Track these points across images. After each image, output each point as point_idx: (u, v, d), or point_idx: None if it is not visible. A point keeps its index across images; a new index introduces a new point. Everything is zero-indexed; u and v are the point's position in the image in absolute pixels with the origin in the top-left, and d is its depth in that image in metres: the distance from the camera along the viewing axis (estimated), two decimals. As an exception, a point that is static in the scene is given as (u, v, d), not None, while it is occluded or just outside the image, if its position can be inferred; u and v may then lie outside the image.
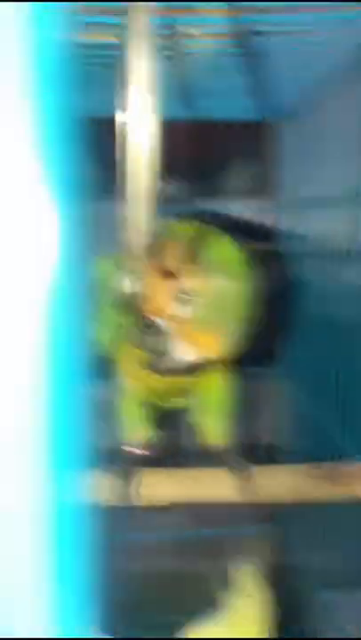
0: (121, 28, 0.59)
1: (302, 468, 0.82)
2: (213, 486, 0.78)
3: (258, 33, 0.75)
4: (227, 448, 0.80)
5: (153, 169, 0.41)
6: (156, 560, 1.43)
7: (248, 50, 0.78)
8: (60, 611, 0.27)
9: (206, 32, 0.72)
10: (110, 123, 0.61)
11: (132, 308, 0.69)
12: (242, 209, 1.42)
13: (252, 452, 1.26)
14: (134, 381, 0.78)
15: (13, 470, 0.26)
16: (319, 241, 1.16)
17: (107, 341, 0.79)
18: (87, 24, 0.71)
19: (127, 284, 0.69)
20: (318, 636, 1.15)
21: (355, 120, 0.95)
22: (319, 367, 1.11)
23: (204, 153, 1.33)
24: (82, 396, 0.29)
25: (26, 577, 0.26)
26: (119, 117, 0.59)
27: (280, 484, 0.79)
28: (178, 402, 0.83)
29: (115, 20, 0.68)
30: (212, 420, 0.80)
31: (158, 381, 0.76)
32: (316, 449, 1.15)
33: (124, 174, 0.55)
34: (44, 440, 0.26)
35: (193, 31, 0.70)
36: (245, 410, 1.54)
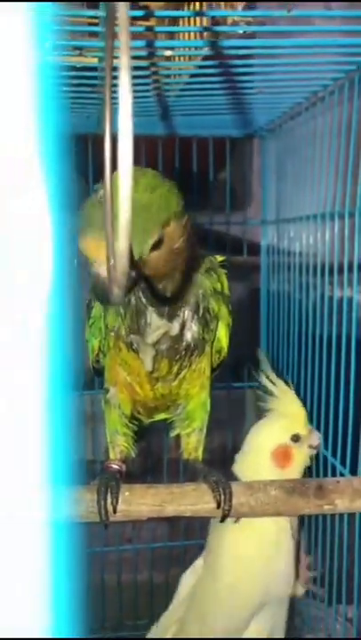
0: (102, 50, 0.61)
1: (287, 481, 0.83)
2: (193, 501, 0.78)
3: (238, 56, 0.77)
4: (205, 463, 0.81)
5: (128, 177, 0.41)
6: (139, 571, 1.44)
7: (227, 71, 0.80)
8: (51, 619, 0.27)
9: (183, 54, 0.74)
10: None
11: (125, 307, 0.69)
12: (224, 223, 1.44)
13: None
14: (121, 391, 0.78)
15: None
16: (303, 255, 1.17)
17: (95, 350, 0.80)
18: (76, 48, 0.73)
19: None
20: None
21: (339, 137, 0.97)
22: (304, 381, 1.12)
23: (185, 168, 1.35)
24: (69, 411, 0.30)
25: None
26: (104, 135, 0.60)
27: (263, 498, 0.79)
28: (161, 415, 0.83)
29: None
30: (194, 435, 0.81)
31: (147, 389, 0.76)
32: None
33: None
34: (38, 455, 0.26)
35: (168, 53, 0.71)
36: (230, 422, 1.55)
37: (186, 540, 1.44)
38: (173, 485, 0.79)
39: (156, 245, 0.62)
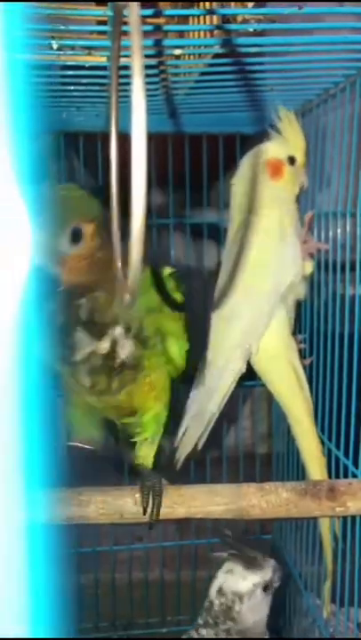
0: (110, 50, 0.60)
1: (298, 483, 0.82)
2: (204, 502, 0.78)
3: (249, 54, 0.76)
4: (153, 469, 0.80)
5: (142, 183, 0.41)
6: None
7: (237, 69, 0.79)
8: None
9: (192, 52, 0.73)
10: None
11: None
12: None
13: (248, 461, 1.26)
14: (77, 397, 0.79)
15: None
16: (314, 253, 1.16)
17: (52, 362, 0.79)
18: (85, 47, 0.72)
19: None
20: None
21: (351, 134, 0.96)
22: (316, 380, 1.11)
23: (195, 166, 1.34)
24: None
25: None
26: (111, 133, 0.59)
27: (270, 499, 0.78)
28: (130, 420, 0.83)
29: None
30: (145, 445, 0.81)
31: (94, 400, 0.77)
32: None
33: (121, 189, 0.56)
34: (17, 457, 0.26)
35: (178, 52, 0.71)
36: (242, 421, 1.55)
37: (197, 538, 1.44)
38: (183, 487, 0.79)
39: (75, 239, 0.64)
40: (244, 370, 1.04)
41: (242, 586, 0.99)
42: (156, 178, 1.32)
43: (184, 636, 1.05)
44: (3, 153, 0.25)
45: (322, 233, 1.11)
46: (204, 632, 1.01)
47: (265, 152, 1.05)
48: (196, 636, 1.02)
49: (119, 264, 0.47)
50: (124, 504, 0.76)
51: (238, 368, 1.03)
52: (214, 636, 1.00)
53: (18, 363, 0.25)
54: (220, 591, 0.99)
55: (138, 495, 0.76)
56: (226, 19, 0.63)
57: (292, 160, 1.05)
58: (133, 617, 1.43)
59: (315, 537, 1.14)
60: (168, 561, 1.46)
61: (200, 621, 1.02)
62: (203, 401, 1.05)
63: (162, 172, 1.33)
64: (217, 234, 1.38)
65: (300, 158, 1.05)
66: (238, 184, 1.08)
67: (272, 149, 1.05)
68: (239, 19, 0.64)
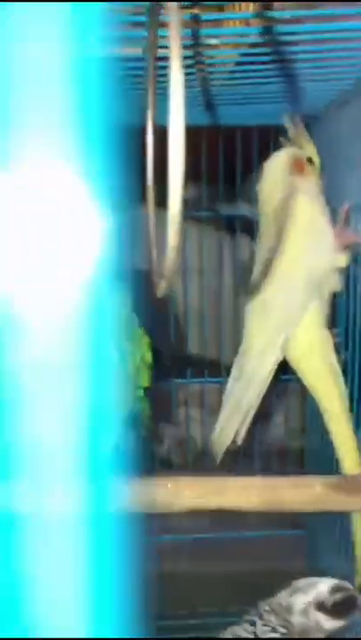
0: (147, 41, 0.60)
1: (332, 477, 0.81)
2: (236, 494, 0.78)
3: (286, 42, 0.75)
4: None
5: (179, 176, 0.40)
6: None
7: (274, 58, 0.78)
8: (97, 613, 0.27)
9: (228, 42, 0.72)
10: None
11: None
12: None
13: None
14: None
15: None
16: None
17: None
18: (123, 38, 0.72)
19: None
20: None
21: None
22: (352, 375, 1.10)
23: (229, 158, 1.34)
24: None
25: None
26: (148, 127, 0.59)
27: (304, 492, 0.78)
28: None
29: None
30: None
31: None
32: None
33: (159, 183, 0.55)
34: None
35: (214, 41, 0.70)
36: (275, 416, 1.54)
37: (226, 531, 1.44)
38: (216, 478, 0.79)
39: None
40: (281, 359, 1.05)
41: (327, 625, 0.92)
42: (190, 171, 1.31)
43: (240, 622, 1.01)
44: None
45: (358, 225, 1.09)
46: (271, 619, 0.97)
47: (287, 154, 1.09)
48: (259, 621, 0.98)
49: (155, 253, 0.48)
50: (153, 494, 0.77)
51: (275, 357, 1.04)
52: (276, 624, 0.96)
53: (87, 354, 0.26)
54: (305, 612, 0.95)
55: (175, 485, 0.76)
56: (263, 6, 0.63)
57: (311, 160, 1.10)
58: (162, 608, 1.44)
59: (348, 533, 1.13)
60: (198, 553, 1.46)
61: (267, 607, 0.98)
62: (240, 393, 1.05)
63: (195, 165, 1.32)
64: (250, 227, 1.37)
65: (315, 160, 1.10)
66: (265, 185, 1.11)
67: (292, 152, 1.10)
68: (276, 5, 0.63)
